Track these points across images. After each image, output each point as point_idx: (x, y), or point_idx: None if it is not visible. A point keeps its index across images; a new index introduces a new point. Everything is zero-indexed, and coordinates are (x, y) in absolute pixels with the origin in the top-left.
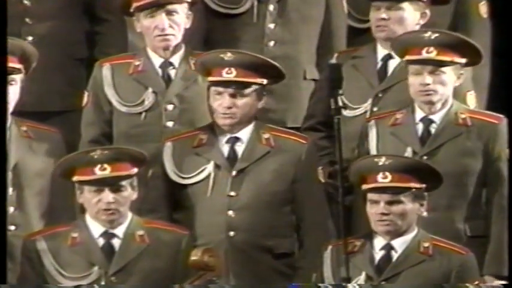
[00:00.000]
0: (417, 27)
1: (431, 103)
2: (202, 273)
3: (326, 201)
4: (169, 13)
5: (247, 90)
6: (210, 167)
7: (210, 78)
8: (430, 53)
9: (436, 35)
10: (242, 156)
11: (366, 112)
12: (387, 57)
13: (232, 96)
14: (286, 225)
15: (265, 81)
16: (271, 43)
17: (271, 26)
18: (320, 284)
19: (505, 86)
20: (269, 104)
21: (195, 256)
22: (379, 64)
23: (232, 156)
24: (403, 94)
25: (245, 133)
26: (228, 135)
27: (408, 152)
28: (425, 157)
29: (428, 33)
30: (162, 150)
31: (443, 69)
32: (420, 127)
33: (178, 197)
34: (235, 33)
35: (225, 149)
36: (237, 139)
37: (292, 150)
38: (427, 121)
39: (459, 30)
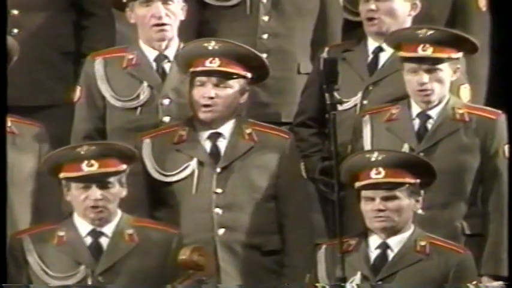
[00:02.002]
0: (409, 19)
1: (430, 102)
2: (192, 272)
3: (309, 198)
4: (165, 2)
5: (231, 81)
6: (193, 164)
7: (193, 69)
8: (426, 51)
9: (431, 32)
10: (225, 152)
11: (355, 105)
12: (378, 50)
13: (216, 86)
14: (272, 221)
15: (249, 75)
16: (265, 36)
17: (265, 18)
18: (317, 284)
19: (504, 80)
20: (263, 98)
21: (183, 255)
22: (370, 57)
23: (215, 153)
24: (394, 87)
25: (226, 128)
26: (209, 131)
27: (405, 149)
28: (422, 154)
29: (424, 30)
30: (141, 147)
31: (440, 66)
32: (417, 123)
33: (160, 195)
34: (228, 25)
35: (207, 145)
36: (219, 134)
37: (275, 145)
38: (423, 117)
39: (457, 23)
